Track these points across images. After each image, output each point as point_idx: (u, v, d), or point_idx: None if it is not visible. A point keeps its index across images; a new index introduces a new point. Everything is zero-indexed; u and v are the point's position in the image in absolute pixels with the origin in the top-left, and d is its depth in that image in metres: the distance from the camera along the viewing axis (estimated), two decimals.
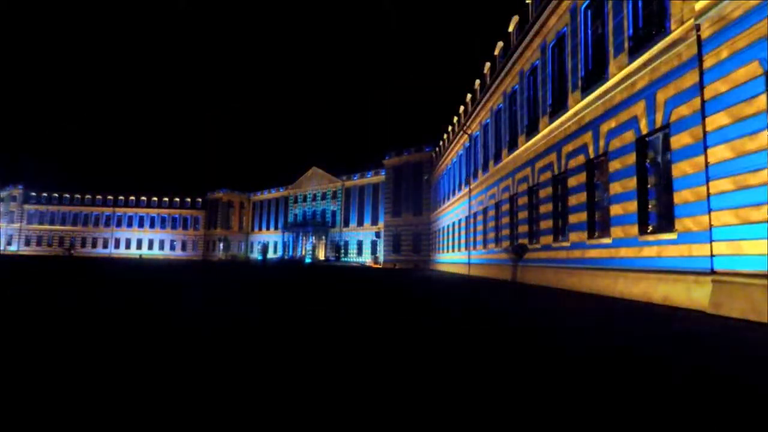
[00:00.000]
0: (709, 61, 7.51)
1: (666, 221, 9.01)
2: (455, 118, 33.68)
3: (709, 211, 7.42)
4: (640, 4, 10.32)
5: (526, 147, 16.93)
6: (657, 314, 7.32)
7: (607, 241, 11.03)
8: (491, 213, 22.14)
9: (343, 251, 61.05)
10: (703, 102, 7.66)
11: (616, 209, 10.67)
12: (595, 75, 12.10)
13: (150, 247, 79.66)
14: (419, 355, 3.87)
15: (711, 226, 7.39)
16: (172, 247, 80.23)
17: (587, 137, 12.26)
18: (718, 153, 7.20)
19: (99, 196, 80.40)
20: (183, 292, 10.08)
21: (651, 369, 3.54)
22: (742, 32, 6.79)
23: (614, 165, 10.76)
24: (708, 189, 7.44)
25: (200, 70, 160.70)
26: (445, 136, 37.48)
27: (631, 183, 10.02)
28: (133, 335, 4.46)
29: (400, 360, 3.66)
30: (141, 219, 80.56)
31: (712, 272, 7.43)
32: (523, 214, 17.44)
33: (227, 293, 9.91)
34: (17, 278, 13.13)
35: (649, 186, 9.67)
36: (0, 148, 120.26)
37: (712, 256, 7.42)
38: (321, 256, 62.25)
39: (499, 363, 3.66)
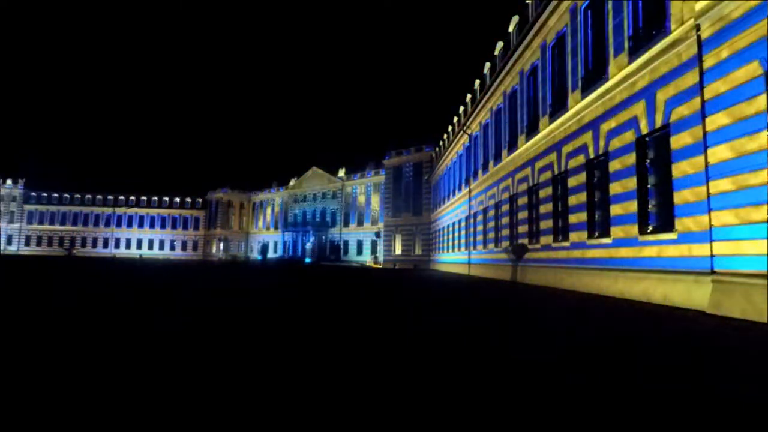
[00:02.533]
0: (709, 61, 7.51)
1: (666, 221, 9.00)
2: (455, 118, 33.67)
3: (709, 211, 7.42)
4: (640, 4, 10.31)
5: (526, 147, 16.92)
6: (655, 314, 7.32)
7: (607, 241, 11.03)
8: (491, 213, 22.14)
9: (342, 251, 61.02)
10: (703, 102, 7.66)
11: (616, 209, 10.66)
12: (595, 75, 12.09)
13: (150, 247, 79.61)
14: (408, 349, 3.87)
15: (711, 226, 7.39)
16: (172, 247, 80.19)
17: (587, 137, 12.25)
18: (718, 153, 7.20)
19: (99, 196, 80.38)
20: (182, 295, 10.08)
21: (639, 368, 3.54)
22: (742, 32, 6.79)
23: (614, 165, 10.77)
24: (708, 189, 7.44)
25: (201, 70, 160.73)
26: (445, 136, 37.47)
27: (631, 183, 10.01)
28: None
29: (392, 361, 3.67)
30: (141, 219, 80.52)
31: (712, 272, 7.42)
32: (523, 214, 17.43)
33: (230, 290, 9.92)
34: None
35: (649, 186, 9.67)
36: (1, 146, 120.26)
37: (712, 256, 7.41)
38: (321, 255, 62.20)
39: (492, 365, 3.66)
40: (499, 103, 21.39)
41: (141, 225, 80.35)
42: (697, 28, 7.84)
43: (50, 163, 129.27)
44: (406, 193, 48.86)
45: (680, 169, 8.40)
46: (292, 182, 72.21)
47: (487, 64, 25.02)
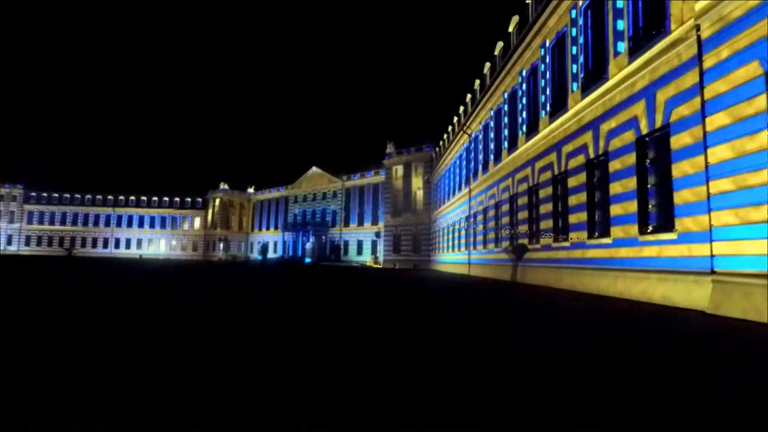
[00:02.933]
0: (709, 61, 7.50)
1: (666, 221, 9.00)
2: (455, 118, 33.68)
3: (709, 211, 7.42)
4: (640, 4, 10.31)
5: (526, 147, 16.92)
6: (655, 314, 7.31)
7: (607, 241, 11.02)
8: (491, 213, 22.14)
9: (343, 251, 61.01)
10: (703, 102, 7.65)
11: (616, 209, 10.66)
12: (595, 75, 12.09)
13: (150, 247, 79.58)
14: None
15: (711, 226, 7.38)
16: (172, 247, 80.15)
17: (587, 137, 12.25)
18: (718, 153, 7.19)
19: (99, 196, 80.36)
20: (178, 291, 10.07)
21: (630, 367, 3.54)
22: (742, 32, 6.79)
23: (614, 165, 10.76)
24: (708, 189, 7.43)
25: (200, 70, 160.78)
26: (445, 136, 37.48)
27: (631, 183, 10.01)
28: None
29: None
30: (141, 219, 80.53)
31: (712, 272, 7.42)
32: (523, 214, 17.42)
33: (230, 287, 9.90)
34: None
35: (649, 186, 9.66)
36: (0, 146, 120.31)
37: (712, 256, 7.41)
38: (321, 256, 62.20)
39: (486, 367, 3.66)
40: (499, 103, 21.39)
41: (141, 225, 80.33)
42: (697, 28, 7.84)
43: (50, 164, 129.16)
44: (406, 193, 48.85)
45: (680, 169, 8.39)
46: (292, 182, 72.20)
47: (487, 64, 25.02)
